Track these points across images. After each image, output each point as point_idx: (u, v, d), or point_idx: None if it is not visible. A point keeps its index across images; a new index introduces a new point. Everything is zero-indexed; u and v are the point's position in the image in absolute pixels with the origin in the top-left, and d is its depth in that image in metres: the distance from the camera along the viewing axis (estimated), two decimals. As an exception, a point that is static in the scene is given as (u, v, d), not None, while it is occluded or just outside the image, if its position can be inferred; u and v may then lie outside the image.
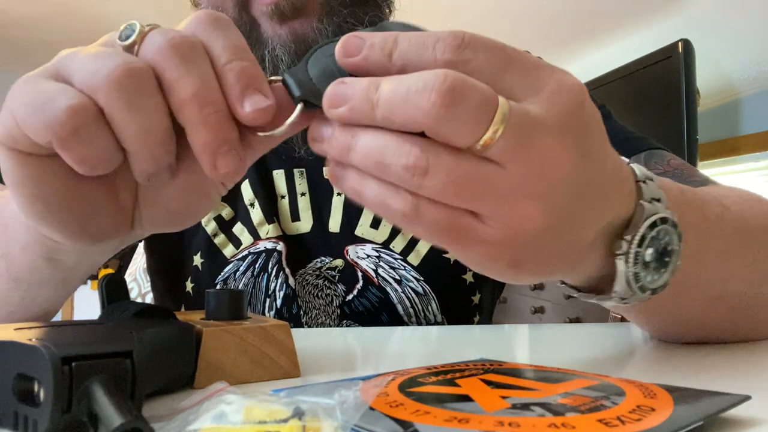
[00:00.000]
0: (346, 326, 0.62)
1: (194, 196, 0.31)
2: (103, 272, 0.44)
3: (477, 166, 0.24)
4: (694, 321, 0.43)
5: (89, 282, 3.38)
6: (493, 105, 0.23)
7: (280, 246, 0.62)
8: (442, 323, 0.64)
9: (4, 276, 0.40)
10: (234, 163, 0.26)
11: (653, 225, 0.31)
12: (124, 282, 0.35)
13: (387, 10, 0.63)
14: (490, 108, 0.23)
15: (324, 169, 0.64)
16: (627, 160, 0.32)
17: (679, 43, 1.84)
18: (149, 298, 0.92)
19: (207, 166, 0.26)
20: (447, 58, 0.25)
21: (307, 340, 0.48)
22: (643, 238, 0.31)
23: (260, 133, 0.28)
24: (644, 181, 0.32)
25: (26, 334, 0.24)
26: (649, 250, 0.31)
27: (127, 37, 0.27)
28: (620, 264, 0.31)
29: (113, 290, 0.35)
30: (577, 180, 0.26)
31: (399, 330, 0.57)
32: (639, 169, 0.32)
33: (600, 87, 2.12)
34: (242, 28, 0.58)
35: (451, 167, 0.24)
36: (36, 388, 0.22)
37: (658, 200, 0.32)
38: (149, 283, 0.75)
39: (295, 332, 0.36)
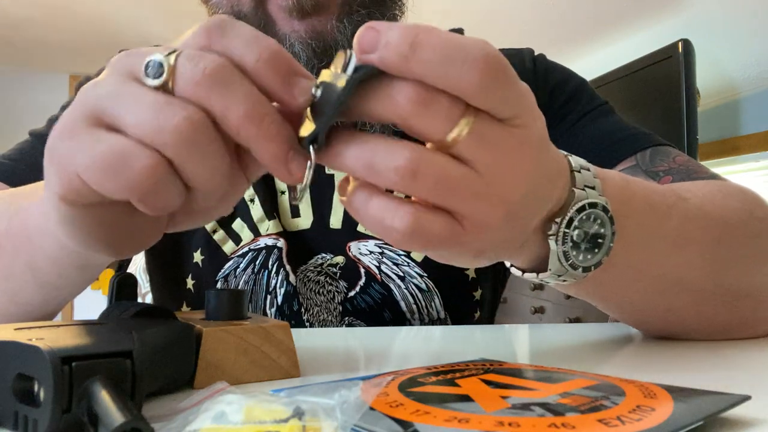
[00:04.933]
0: (348, 323, 0.62)
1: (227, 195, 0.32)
2: (104, 272, 0.44)
3: (457, 168, 0.27)
4: (656, 309, 0.44)
5: (89, 282, 3.38)
6: (458, 112, 0.26)
7: (281, 242, 0.61)
8: (444, 319, 0.64)
9: (30, 283, 0.41)
10: (304, 165, 0.27)
11: (581, 209, 0.34)
12: (135, 282, 0.36)
13: (400, 13, 0.63)
14: (456, 113, 0.26)
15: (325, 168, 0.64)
16: (565, 153, 0.35)
17: (679, 43, 1.84)
18: (149, 298, 0.92)
19: (283, 175, 0.27)
20: (476, 82, 0.26)
21: (307, 339, 0.48)
22: (571, 220, 0.34)
23: (294, 202, 0.29)
24: (579, 171, 0.35)
25: (26, 334, 0.24)
26: (576, 231, 0.34)
27: (157, 76, 0.27)
28: (551, 243, 0.35)
29: (123, 289, 0.35)
30: (533, 180, 0.29)
31: (399, 330, 0.57)
32: (575, 159, 0.35)
33: (600, 87, 2.11)
34: (257, 25, 0.57)
35: (437, 169, 0.26)
36: (36, 388, 0.22)
37: (592, 188, 0.35)
38: (149, 283, 0.75)
39: (296, 332, 0.36)
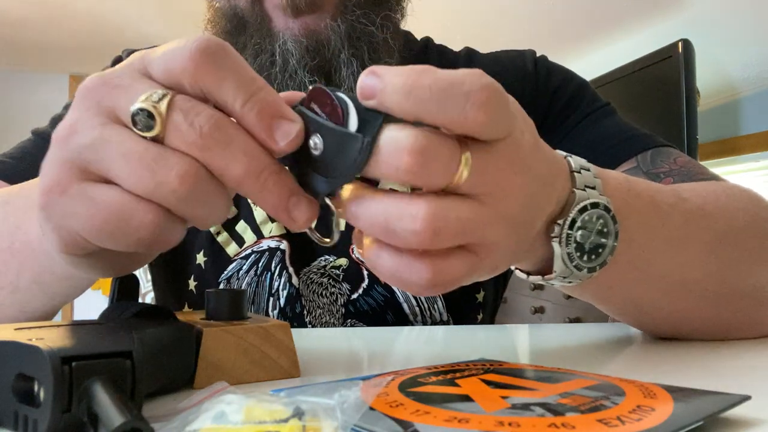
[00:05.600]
0: (351, 326, 0.62)
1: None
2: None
3: (468, 207, 0.27)
4: (661, 310, 0.44)
5: (89, 282, 3.38)
6: (457, 159, 0.26)
7: (284, 245, 0.61)
8: (447, 322, 0.64)
9: (38, 295, 0.40)
10: (308, 209, 0.27)
11: (583, 209, 0.34)
12: (137, 281, 0.36)
13: (399, 16, 0.63)
14: (455, 161, 0.26)
15: None
16: (565, 153, 0.35)
17: (679, 43, 1.84)
18: (149, 298, 0.92)
19: (286, 222, 0.27)
20: (482, 119, 0.25)
21: (307, 340, 0.48)
22: (573, 221, 0.34)
23: (324, 243, 0.30)
24: (579, 171, 0.35)
25: (26, 334, 0.24)
26: (579, 232, 0.34)
27: (147, 128, 0.25)
28: (555, 246, 0.34)
29: (125, 289, 0.35)
30: (529, 189, 0.29)
31: (399, 330, 0.57)
32: (575, 160, 0.35)
33: (600, 87, 2.11)
34: (254, 21, 0.58)
35: (454, 220, 0.26)
36: (36, 388, 0.22)
37: (593, 188, 0.35)
38: (149, 283, 0.75)
39: (296, 332, 0.36)
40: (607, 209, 0.35)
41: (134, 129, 0.26)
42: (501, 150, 0.27)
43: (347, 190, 0.27)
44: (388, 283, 0.29)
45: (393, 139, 0.25)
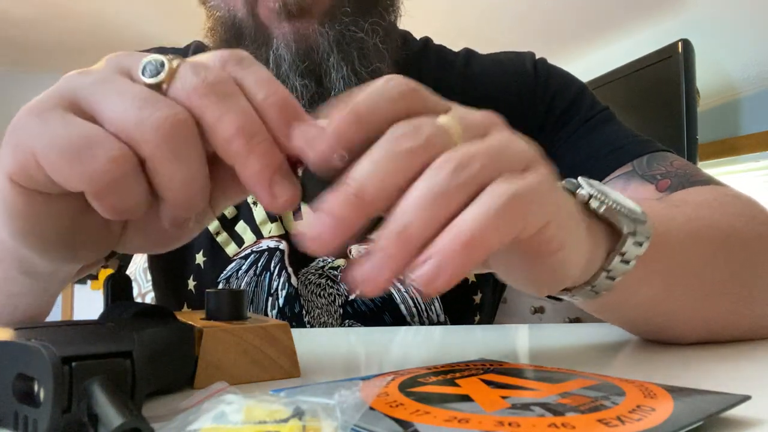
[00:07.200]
0: (349, 326, 0.62)
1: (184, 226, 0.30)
2: (104, 272, 0.43)
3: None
4: (683, 313, 0.43)
5: (89, 282, 3.38)
6: (436, 126, 0.25)
7: (283, 245, 0.62)
8: (444, 323, 0.64)
9: None
10: (291, 190, 0.26)
11: (591, 185, 0.34)
12: (129, 281, 0.35)
13: (393, 17, 0.63)
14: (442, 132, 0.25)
15: None
16: None
17: (679, 44, 1.84)
18: (149, 298, 0.93)
19: (265, 197, 0.26)
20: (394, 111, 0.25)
21: (307, 340, 0.48)
22: (599, 191, 0.34)
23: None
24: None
25: (26, 334, 0.24)
26: (613, 196, 0.34)
27: (154, 74, 0.25)
28: (605, 210, 0.33)
29: (118, 289, 0.35)
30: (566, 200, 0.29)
31: (399, 330, 0.57)
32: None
33: (600, 87, 2.11)
34: (249, 29, 0.58)
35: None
36: (36, 388, 0.22)
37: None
38: (149, 283, 0.75)
39: (296, 332, 0.36)
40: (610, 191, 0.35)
41: (140, 77, 0.26)
42: (530, 182, 0.26)
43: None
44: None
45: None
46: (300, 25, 0.56)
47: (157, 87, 0.25)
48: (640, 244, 0.34)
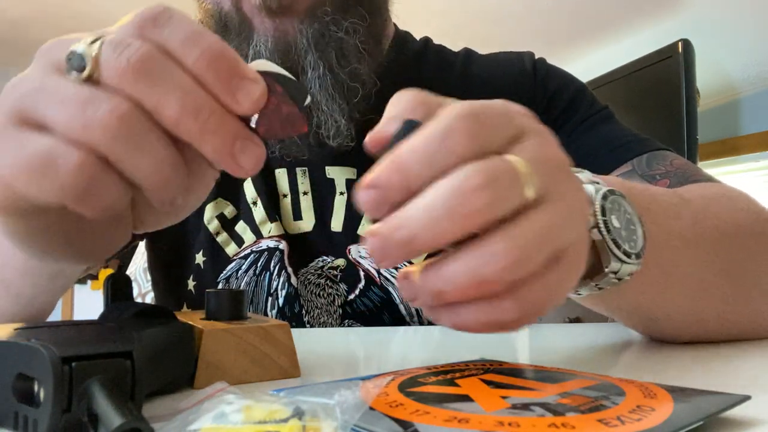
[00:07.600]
0: (348, 326, 0.62)
1: (193, 190, 0.30)
2: (104, 272, 0.44)
3: (539, 212, 0.25)
4: (686, 314, 0.43)
5: (89, 282, 3.38)
6: (518, 178, 0.24)
7: (283, 245, 0.62)
8: None
9: (3, 296, 0.40)
10: (256, 153, 0.25)
11: (605, 196, 0.34)
12: (129, 281, 0.35)
13: (379, 19, 0.63)
14: (516, 182, 0.24)
15: (326, 168, 0.64)
16: None
17: (679, 44, 1.84)
18: (149, 298, 0.93)
19: (231, 168, 0.25)
20: (463, 152, 0.24)
21: (307, 340, 0.48)
22: (603, 208, 0.33)
23: None
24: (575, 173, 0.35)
25: (26, 334, 0.24)
26: (614, 216, 0.34)
27: (81, 68, 0.24)
28: (597, 235, 0.33)
29: (118, 289, 0.35)
30: (571, 176, 0.29)
31: (399, 330, 0.57)
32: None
33: (600, 87, 2.11)
34: (234, 22, 0.59)
35: (533, 227, 0.24)
36: (36, 388, 0.22)
37: (597, 183, 0.35)
38: (149, 283, 0.75)
39: (296, 332, 0.36)
40: (621, 195, 0.34)
41: (71, 75, 0.25)
42: (540, 142, 0.27)
43: (418, 264, 0.25)
44: (466, 330, 0.27)
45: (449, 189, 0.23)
46: (280, 22, 0.57)
47: (89, 79, 0.25)
48: (626, 276, 0.35)
